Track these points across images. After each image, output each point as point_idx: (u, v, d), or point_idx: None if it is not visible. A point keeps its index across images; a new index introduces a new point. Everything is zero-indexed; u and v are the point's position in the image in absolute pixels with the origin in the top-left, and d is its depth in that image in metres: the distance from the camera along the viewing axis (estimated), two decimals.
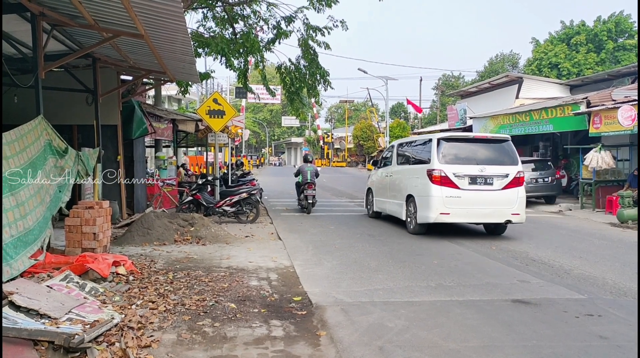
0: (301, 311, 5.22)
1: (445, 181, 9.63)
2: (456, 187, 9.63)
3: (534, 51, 38.47)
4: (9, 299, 4.40)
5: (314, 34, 14.04)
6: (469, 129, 22.71)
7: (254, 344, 4.32)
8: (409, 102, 40.94)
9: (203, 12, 14.42)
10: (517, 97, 22.72)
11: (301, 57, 14.52)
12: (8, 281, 4.99)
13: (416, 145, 11.28)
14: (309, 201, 13.83)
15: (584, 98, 15.33)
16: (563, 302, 5.65)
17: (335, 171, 44.89)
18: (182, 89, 14.46)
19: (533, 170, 16.45)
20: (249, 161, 45.05)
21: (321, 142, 65.54)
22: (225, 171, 16.22)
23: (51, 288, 5.03)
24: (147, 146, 15.64)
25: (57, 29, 7.47)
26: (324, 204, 15.95)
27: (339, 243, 9.23)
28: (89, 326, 4.22)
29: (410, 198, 10.47)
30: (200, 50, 12.97)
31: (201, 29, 14.41)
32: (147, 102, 16.13)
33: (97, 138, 9.24)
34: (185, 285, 6.01)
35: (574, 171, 18.57)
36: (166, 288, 5.85)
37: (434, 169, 9.73)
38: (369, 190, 13.43)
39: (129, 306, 5.06)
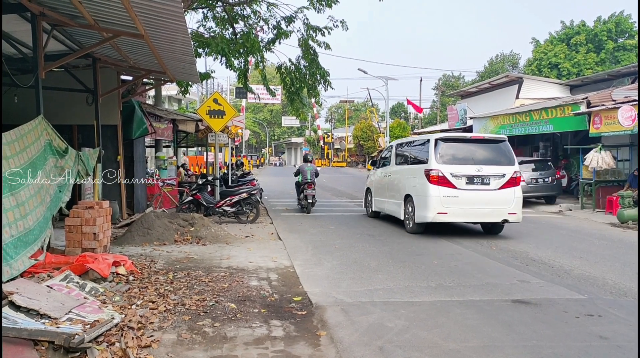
0: (301, 312, 5.22)
1: (442, 181, 9.67)
2: (453, 187, 9.68)
3: (534, 51, 38.44)
4: (9, 299, 4.40)
5: (314, 34, 14.05)
6: (469, 129, 22.71)
7: (254, 344, 4.32)
8: (409, 102, 40.94)
9: (203, 12, 14.43)
10: (517, 97, 22.72)
11: (301, 57, 14.52)
12: (8, 281, 4.99)
13: (414, 145, 11.34)
14: (309, 200, 13.84)
15: (584, 98, 15.32)
16: (563, 302, 5.65)
17: (335, 171, 44.89)
18: (182, 89, 14.47)
19: (533, 170, 16.44)
20: (249, 161, 45.06)
21: (321, 142, 65.56)
22: (225, 171, 16.24)
23: (51, 288, 5.03)
24: (147, 146, 15.64)
25: (57, 29, 7.48)
26: (323, 204, 15.95)
27: (339, 243, 9.24)
28: (89, 326, 4.22)
29: (408, 198, 10.51)
30: (200, 50, 12.98)
31: (201, 29, 14.45)
32: (147, 102, 16.12)
33: (97, 138, 9.24)
34: (186, 285, 6.01)
35: (574, 171, 18.55)
36: (166, 288, 5.85)
37: (431, 169, 9.78)
38: (368, 190, 13.48)
39: (129, 306, 5.06)
